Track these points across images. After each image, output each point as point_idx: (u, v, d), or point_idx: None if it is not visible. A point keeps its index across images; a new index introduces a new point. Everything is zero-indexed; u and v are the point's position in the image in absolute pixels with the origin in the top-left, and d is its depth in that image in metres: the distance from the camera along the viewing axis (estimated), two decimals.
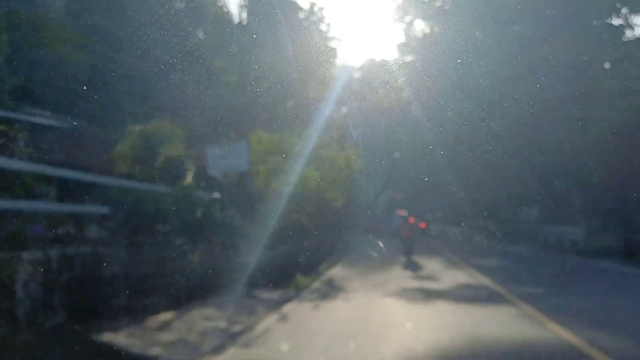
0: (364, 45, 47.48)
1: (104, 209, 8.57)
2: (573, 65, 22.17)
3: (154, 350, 5.99)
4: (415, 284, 12.23)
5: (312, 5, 18.40)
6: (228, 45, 15.60)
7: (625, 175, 20.85)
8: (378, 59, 31.29)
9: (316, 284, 12.16)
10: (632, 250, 18.50)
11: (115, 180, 9.89)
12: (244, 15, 16.57)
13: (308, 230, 16.17)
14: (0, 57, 9.80)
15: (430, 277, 13.40)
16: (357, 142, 25.27)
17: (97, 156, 12.26)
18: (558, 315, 7.97)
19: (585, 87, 21.94)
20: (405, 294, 10.60)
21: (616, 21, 24.49)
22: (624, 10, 24.06)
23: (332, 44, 19.47)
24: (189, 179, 13.49)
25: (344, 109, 23.47)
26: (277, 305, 9.20)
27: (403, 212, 22.99)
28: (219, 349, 6.21)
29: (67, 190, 8.50)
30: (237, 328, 7.27)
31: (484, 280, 12.86)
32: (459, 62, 21.84)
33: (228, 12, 16.40)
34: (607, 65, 24.68)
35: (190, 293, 8.95)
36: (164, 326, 7.12)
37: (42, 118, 10.33)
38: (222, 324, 7.54)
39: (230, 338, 6.73)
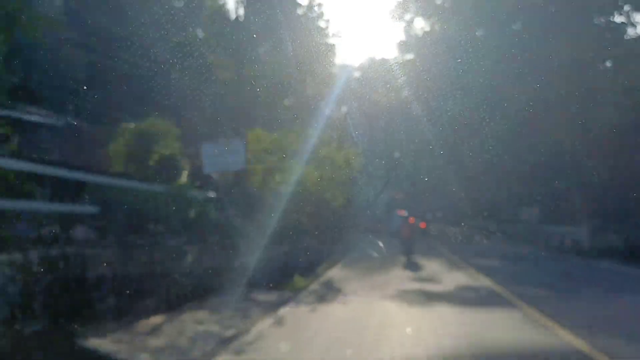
0: (364, 43, 47.32)
1: (93, 209, 8.28)
2: (574, 64, 21.95)
3: (141, 357, 5.71)
4: (415, 285, 11.99)
5: (311, 0, 18.10)
6: (225, 42, 15.32)
7: (627, 175, 20.71)
8: (378, 57, 31.02)
9: (314, 286, 11.92)
10: (633, 250, 18.34)
11: (106, 178, 9.59)
12: (241, 11, 16.29)
13: (307, 230, 15.90)
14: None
15: (430, 279, 13.17)
16: (357, 141, 25.06)
17: (89, 154, 12.00)
18: (564, 319, 7.71)
19: (587, 86, 21.74)
20: (405, 296, 10.35)
21: (618, 19, 24.30)
22: (626, 8, 23.85)
23: (331, 40, 19.17)
24: (184, 178, 13.22)
25: (344, 108, 23.24)
26: (273, 307, 8.93)
27: (403, 212, 22.86)
28: (208, 356, 5.93)
29: (55, 189, 8.22)
30: (229, 332, 6.98)
31: (485, 281, 12.63)
32: (459, 62, 21.62)
33: (224, 8, 16.11)
34: (608, 64, 24.50)
35: (184, 295, 8.68)
36: (154, 330, 6.83)
37: (29, 115, 10.04)
38: (214, 328, 7.25)
39: (221, 343, 6.45)
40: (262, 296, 9.84)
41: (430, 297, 10.29)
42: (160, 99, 13.99)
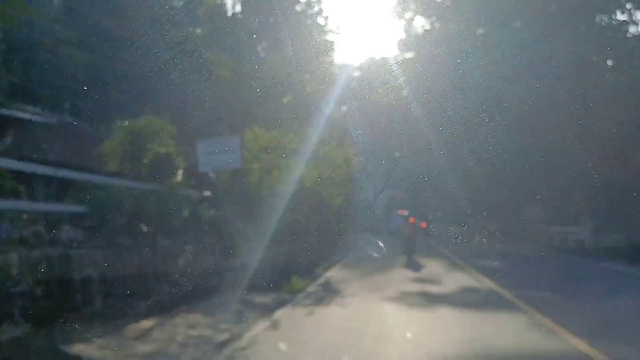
0: (364, 42, 46.92)
1: (80, 208, 8.00)
2: (575, 63, 21.69)
3: None
4: (416, 287, 11.71)
5: None
6: (222, 39, 15.03)
7: (631, 174, 20.45)
8: (378, 56, 30.80)
9: (312, 287, 11.64)
10: (637, 251, 18.07)
11: (97, 177, 9.30)
12: (238, 8, 16.01)
13: (306, 230, 15.63)
14: None
15: (431, 280, 12.88)
16: (357, 141, 24.85)
17: (83, 153, 11.73)
18: (571, 324, 7.40)
19: (588, 84, 21.49)
20: (406, 298, 10.06)
21: (620, 17, 24.04)
22: (628, 6, 23.57)
23: (331, 38, 18.87)
24: (179, 176, 12.95)
25: (343, 107, 22.99)
26: (268, 310, 8.64)
27: (403, 212, 22.64)
28: None
29: (43, 188, 7.94)
30: (222, 337, 6.70)
31: (488, 283, 12.34)
32: (459, 60, 21.38)
33: (222, 5, 15.82)
34: (610, 63, 24.24)
35: (176, 297, 8.40)
36: (143, 335, 6.54)
37: (22, 112, 9.76)
38: (207, 332, 6.97)
39: (213, 349, 6.16)
40: (258, 298, 9.57)
41: (431, 299, 10.01)
42: (157, 97, 13.74)
